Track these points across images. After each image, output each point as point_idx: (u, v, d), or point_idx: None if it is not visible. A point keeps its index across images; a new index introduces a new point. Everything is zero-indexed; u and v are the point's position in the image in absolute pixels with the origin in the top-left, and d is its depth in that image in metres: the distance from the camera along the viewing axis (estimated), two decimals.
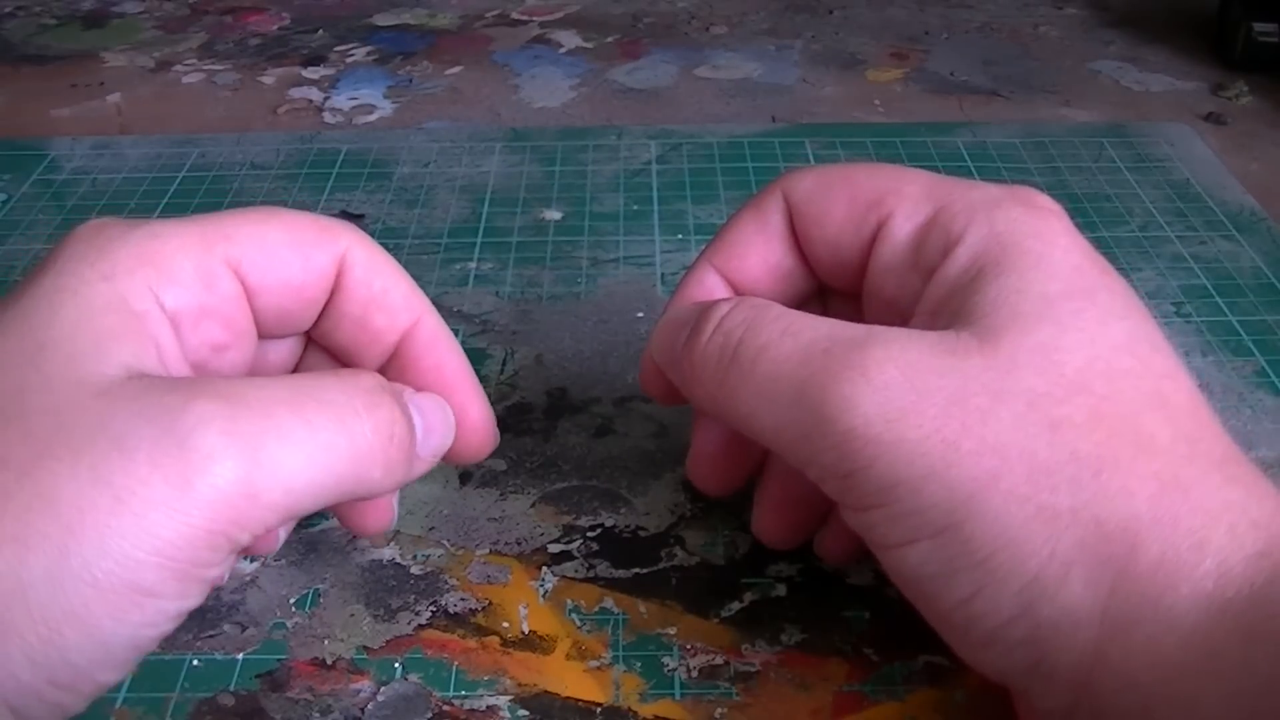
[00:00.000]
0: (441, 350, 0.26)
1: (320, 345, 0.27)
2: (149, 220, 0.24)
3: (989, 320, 0.22)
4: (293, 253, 0.25)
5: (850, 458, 0.22)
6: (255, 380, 0.22)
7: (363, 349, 0.26)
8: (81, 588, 0.19)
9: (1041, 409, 0.21)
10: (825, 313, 0.28)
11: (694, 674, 0.27)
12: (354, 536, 0.30)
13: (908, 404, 0.21)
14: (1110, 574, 0.20)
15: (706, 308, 0.25)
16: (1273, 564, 0.20)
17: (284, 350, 0.27)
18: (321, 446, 0.21)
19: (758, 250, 0.27)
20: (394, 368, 0.26)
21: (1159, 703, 0.20)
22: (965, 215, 0.24)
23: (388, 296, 0.26)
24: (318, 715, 0.26)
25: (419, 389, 0.26)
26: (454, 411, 0.26)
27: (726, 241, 0.27)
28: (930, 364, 0.22)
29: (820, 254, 0.26)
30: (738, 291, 0.27)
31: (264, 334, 0.26)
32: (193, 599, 0.21)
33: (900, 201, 0.25)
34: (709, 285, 0.27)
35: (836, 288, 0.27)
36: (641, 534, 0.30)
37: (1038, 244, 0.23)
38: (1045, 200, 0.25)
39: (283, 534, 0.27)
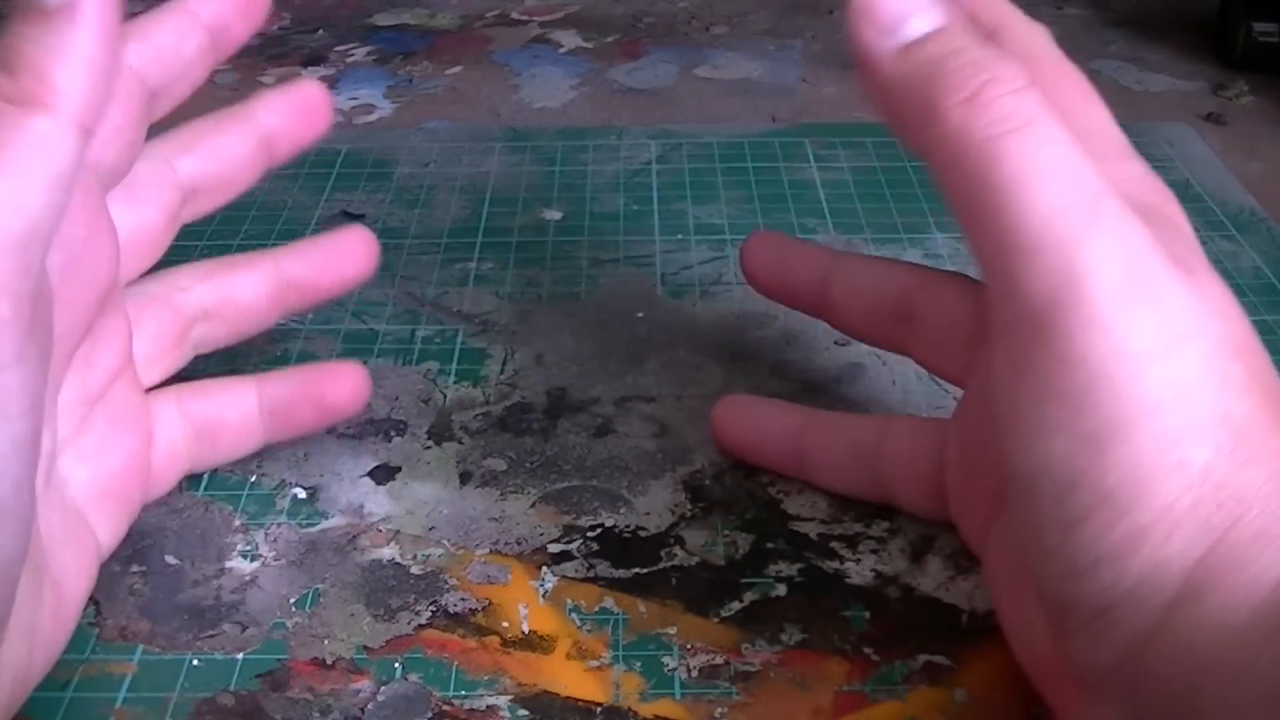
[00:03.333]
0: None
1: None
2: None
3: (1178, 250, 0.22)
4: None
5: (1064, 306, 0.21)
6: None
7: None
8: None
9: (1217, 360, 0.21)
10: None
11: (694, 674, 0.27)
12: (354, 536, 0.30)
13: (1140, 289, 0.21)
14: (1210, 539, 0.20)
15: (997, 60, 0.23)
16: None
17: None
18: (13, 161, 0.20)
19: None
20: None
21: (1208, 671, 0.19)
22: (1106, 176, 0.23)
23: None
24: (318, 715, 0.26)
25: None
26: None
27: None
28: (1159, 265, 0.21)
29: None
30: None
31: None
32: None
33: None
34: None
35: None
36: (641, 534, 0.30)
37: (1174, 227, 0.23)
38: (1173, 198, 0.25)
39: (259, 432, 0.31)
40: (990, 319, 0.23)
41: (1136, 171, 0.24)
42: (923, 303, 0.29)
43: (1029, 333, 0.21)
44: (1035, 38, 0.25)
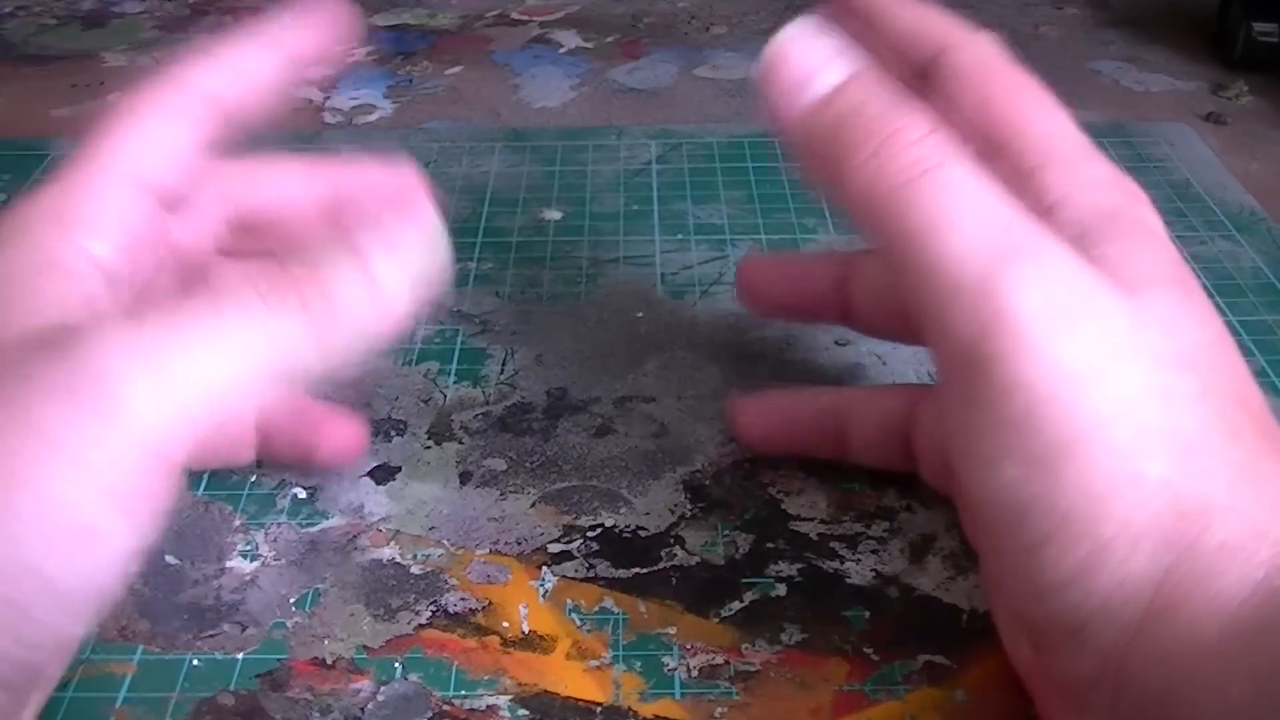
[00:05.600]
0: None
1: None
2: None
3: (1125, 272, 0.22)
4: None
5: (993, 338, 0.21)
6: (154, 300, 0.22)
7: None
8: (31, 539, 0.18)
9: (1161, 374, 0.21)
10: None
11: (694, 674, 0.27)
12: (354, 536, 0.30)
13: (1068, 310, 0.21)
14: (1174, 553, 0.20)
15: (898, 110, 0.23)
16: None
17: None
18: (227, 338, 0.21)
19: None
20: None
21: (1183, 684, 0.19)
22: (1068, 181, 0.23)
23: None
24: (318, 715, 0.26)
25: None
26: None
27: None
28: (1090, 286, 0.21)
29: None
30: None
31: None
32: (144, 533, 0.20)
33: (1011, 141, 0.24)
34: None
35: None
36: (641, 534, 0.30)
37: (1141, 230, 0.23)
38: (1142, 197, 0.25)
39: (251, 447, 0.30)
40: (934, 357, 0.23)
41: (1099, 174, 0.24)
42: None
43: (966, 367, 0.22)
44: (982, 49, 0.25)
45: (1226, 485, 0.20)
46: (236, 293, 0.21)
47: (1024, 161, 0.24)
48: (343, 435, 0.31)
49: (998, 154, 0.24)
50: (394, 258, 0.22)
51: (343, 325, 0.22)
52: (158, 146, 0.25)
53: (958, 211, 0.22)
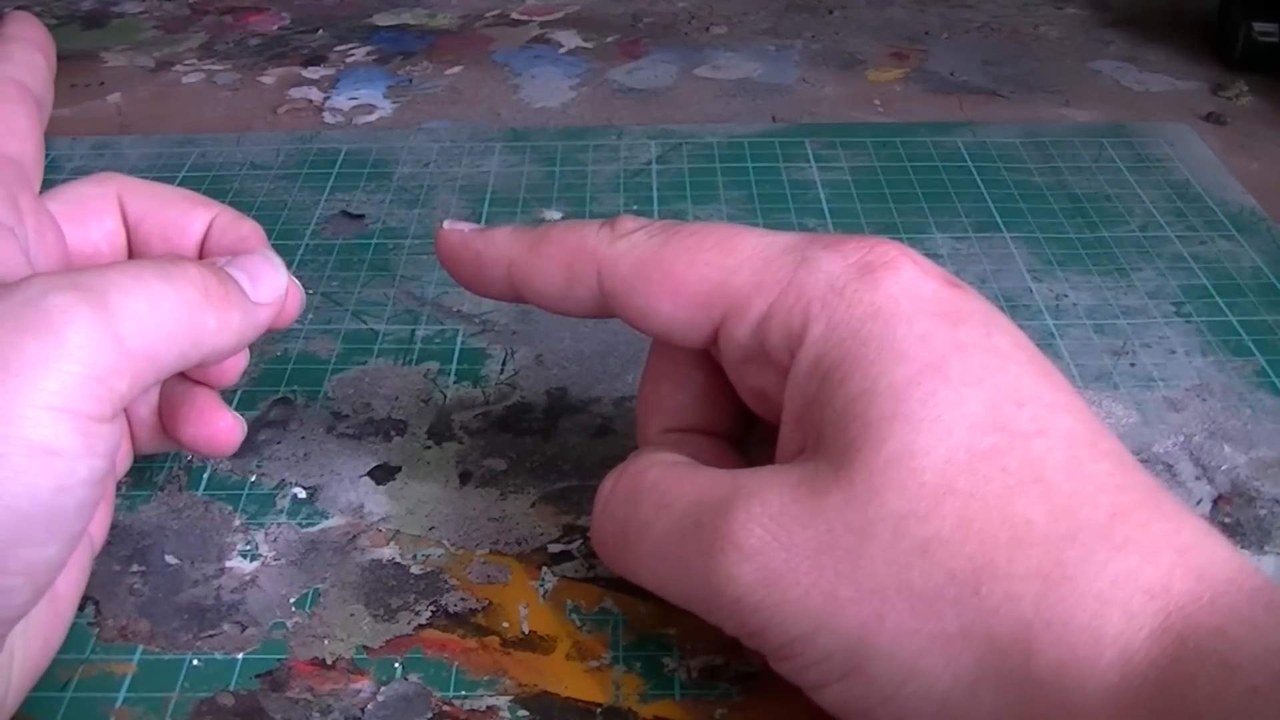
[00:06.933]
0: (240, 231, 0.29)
1: None
2: None
3: (842, 439, 0.22)
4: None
5: (746, 623, 0.22)
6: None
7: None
8: None
9: (909, 533, 0.21)
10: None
11: (694, 674, 0.27)
12: (354, 536, 0.30)
13: (780, 564, 0.21)
14: (1016, 686, 0.20)
15: (600, 488, 0.26)
16: (1174, 638, 0.19)
17: None
18: (156, 295, 0.23)
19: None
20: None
21: None
22: (801, 309, 0.23)
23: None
24: (318, 715, 0.26)
25: None
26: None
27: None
28: (794, 513, 0.22)
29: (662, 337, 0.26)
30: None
31: None
32: (97, 458, 0.21)
33: (729, 301, 0.24)
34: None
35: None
36: None
37: (878, 325, 0.22)
38: (881, 253, 0.23)
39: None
40: None
41: (829, 270, 0.24)
42: None
43: (755, 646, 0.23)
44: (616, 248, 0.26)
45: (1034, 601, 0.20)
46: (152, 264, 0.24)
47: (754, 314, 0.24)
48: (217, 425, 0.28)
49: (723, 322, 0.25)
50: (265, 280, 0.26)
51: (244, 314, 0.25)
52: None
53: (656, 560, 0.24)
